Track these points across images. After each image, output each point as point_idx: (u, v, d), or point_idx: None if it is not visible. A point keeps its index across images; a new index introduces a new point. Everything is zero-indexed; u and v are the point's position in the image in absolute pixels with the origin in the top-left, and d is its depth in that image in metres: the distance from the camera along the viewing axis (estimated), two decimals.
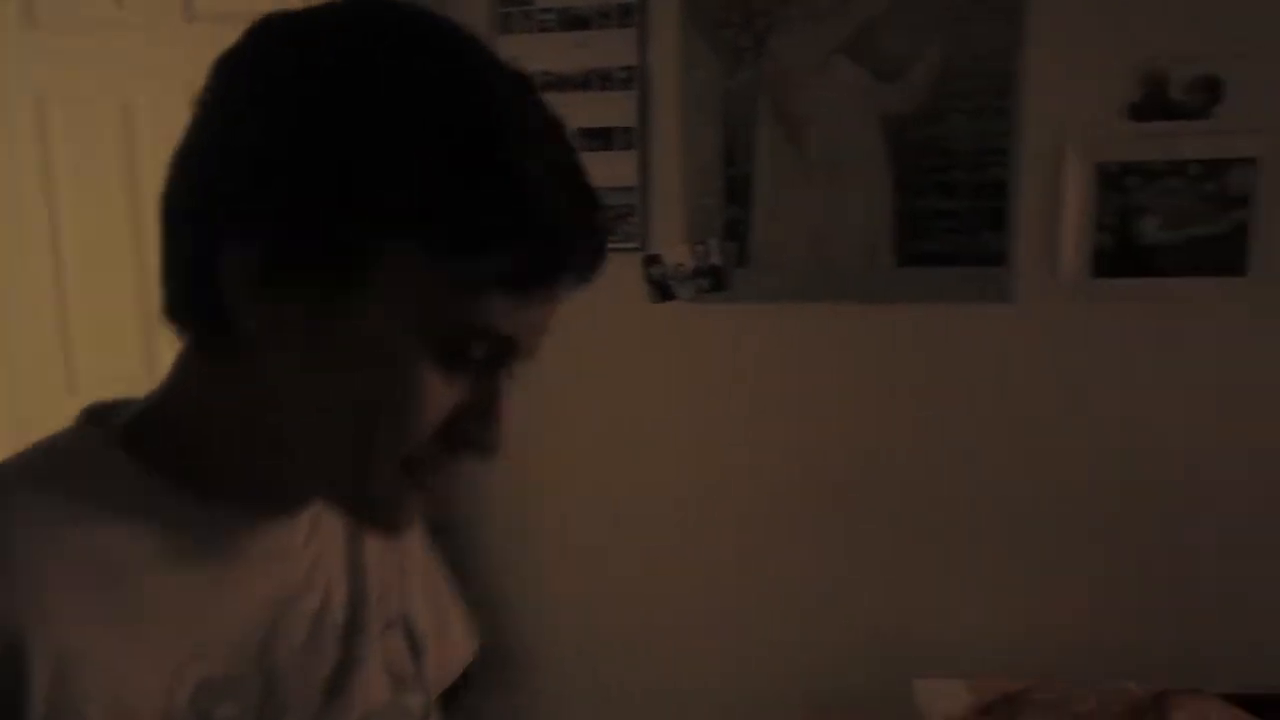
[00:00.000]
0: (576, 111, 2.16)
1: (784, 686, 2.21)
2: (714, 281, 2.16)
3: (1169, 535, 2.07)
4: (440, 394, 0.61)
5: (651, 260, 2.18)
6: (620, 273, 2.17)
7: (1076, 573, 2.10)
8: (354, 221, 0.58)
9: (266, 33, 0.62)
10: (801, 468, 2.18)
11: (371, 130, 0.58)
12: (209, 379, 0.64)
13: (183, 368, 0.66)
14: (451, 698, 0.87)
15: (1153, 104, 1.98)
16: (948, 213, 2.06)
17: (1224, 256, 1.99)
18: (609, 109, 2.16)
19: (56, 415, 0.70)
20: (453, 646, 0.87)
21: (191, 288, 0.62)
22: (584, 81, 2.16)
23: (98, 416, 0.67)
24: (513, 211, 0.58)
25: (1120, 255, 2.03)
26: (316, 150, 0.58)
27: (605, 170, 2.16)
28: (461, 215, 0.58)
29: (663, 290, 2.19)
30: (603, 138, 2.17)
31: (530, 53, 2.14)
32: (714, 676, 2.25)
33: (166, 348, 0.66)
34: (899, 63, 2.04)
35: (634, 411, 2.24)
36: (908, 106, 2.04)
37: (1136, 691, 1.67)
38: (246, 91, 0.61)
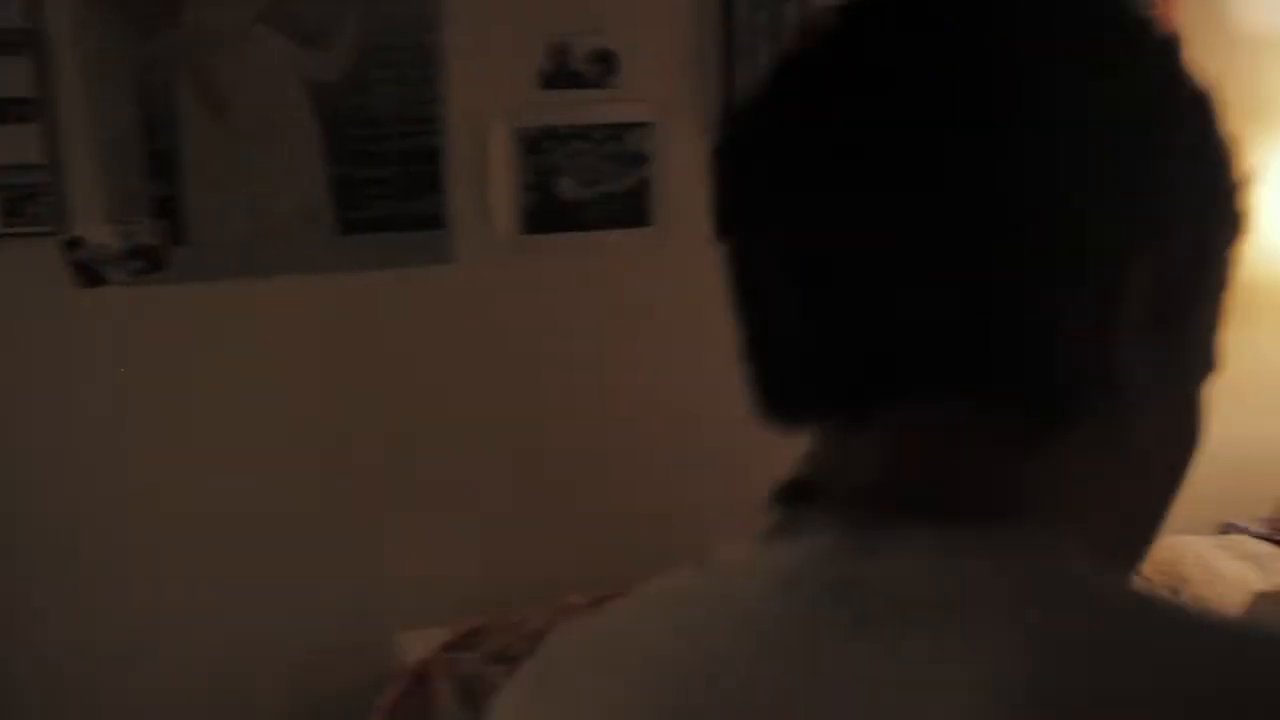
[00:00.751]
0: None
1: (264, 652, 2.18)
2: (150, 262, 2.04)
3: (606, 458, 2.31)
4: None
5: (73, 243, 2.01)
6: (38, 259, 1.97)
7: (533, 510, 2.28)
8: (1233, 217, 0.51)
9: None
10: (269, 437, 2.14)
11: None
12: (1014, 456, 0.48)
13: (965, 447, 0.48)
14: None
15: (560, 74, 2.18)
16: (384, 180, 2.12)
17: (631, 210, 2.25)
18: (1, 77, 1.94)
19: None
20: None
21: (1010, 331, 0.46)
22: None
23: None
24: None
25: (545, 212, 2.21)
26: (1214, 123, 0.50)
27: (4, 146, 1.95)
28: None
29: (91, 275, 2.02)
30: None
31: None
32: (195, 645, 2.16)
33: None
34: (320, 32, 2.04)
35: (79, 404, 2.07)
36: (333, 75, 2.06)
37: (580, 601, 1.87)
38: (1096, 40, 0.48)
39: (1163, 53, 0.49)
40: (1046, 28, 0.46)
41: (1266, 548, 2.21)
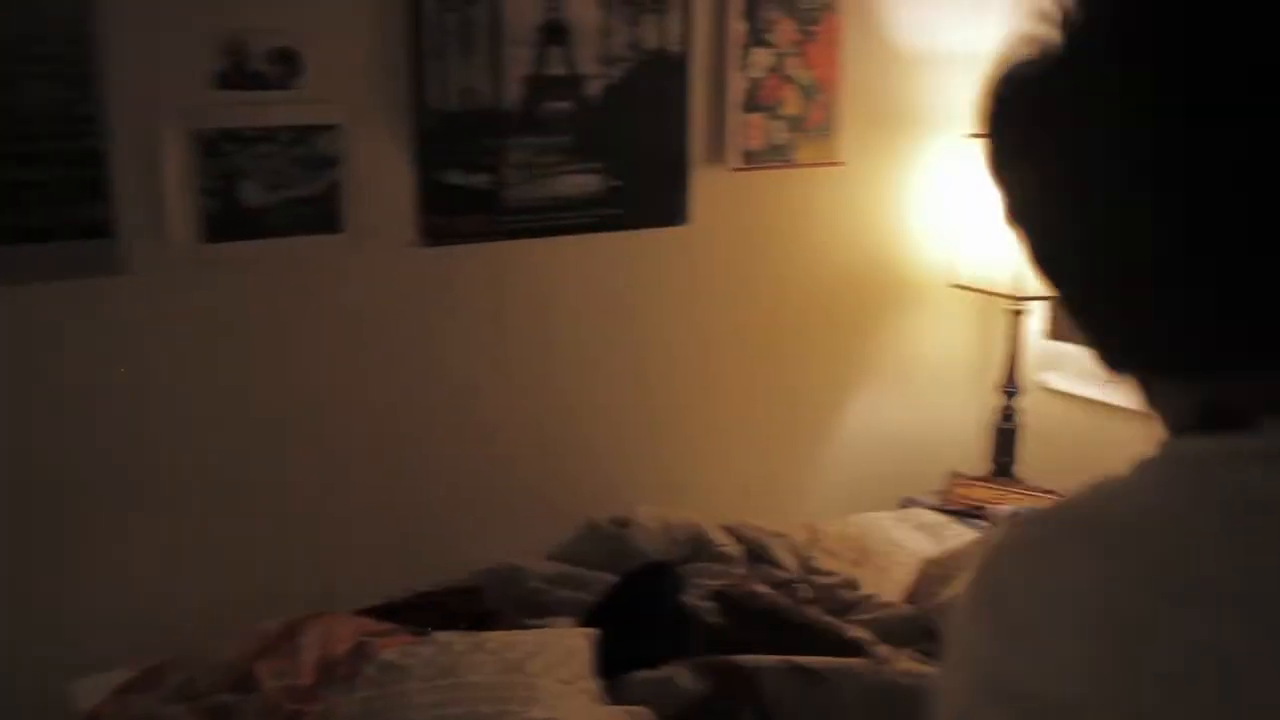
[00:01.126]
0: None
1: None
2: None
3: (297, 472, 2.21)
4: None
5: None
6: None
7: (210, 537, 2.15)
8: None
9: None
10: None
11: None
12: None
13: None
14: None
15: (238, 74, 2.06)
16: (36, 184, 1.93)
17: (321, 215, 2.16)
18: None
19: None
20: None
21: None
22: None
23: None
24: None
25: (228, 219, 2.09)
26: None
27: None
28: None
29: None
30: None
31: None
32: None
33: None
34: None
35: None
36: None
37: (271, 626, 1.77)
38: None
39: None
40: None
41: (938, 517, 2.49)
